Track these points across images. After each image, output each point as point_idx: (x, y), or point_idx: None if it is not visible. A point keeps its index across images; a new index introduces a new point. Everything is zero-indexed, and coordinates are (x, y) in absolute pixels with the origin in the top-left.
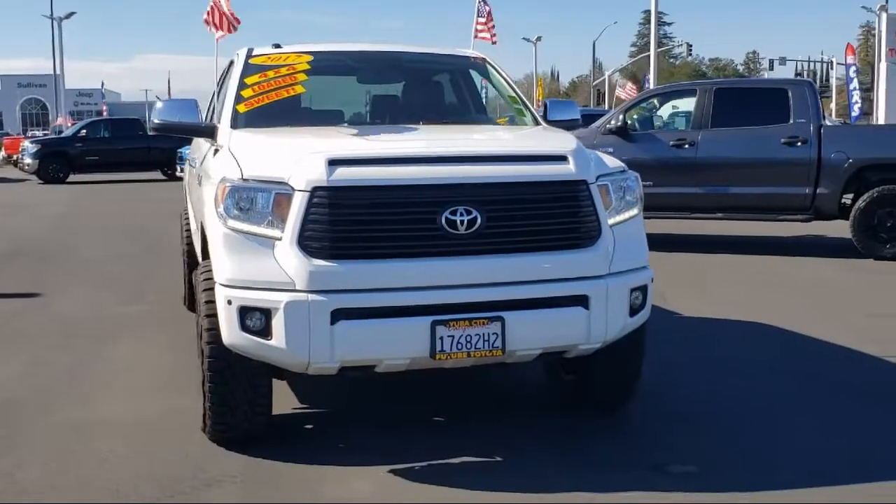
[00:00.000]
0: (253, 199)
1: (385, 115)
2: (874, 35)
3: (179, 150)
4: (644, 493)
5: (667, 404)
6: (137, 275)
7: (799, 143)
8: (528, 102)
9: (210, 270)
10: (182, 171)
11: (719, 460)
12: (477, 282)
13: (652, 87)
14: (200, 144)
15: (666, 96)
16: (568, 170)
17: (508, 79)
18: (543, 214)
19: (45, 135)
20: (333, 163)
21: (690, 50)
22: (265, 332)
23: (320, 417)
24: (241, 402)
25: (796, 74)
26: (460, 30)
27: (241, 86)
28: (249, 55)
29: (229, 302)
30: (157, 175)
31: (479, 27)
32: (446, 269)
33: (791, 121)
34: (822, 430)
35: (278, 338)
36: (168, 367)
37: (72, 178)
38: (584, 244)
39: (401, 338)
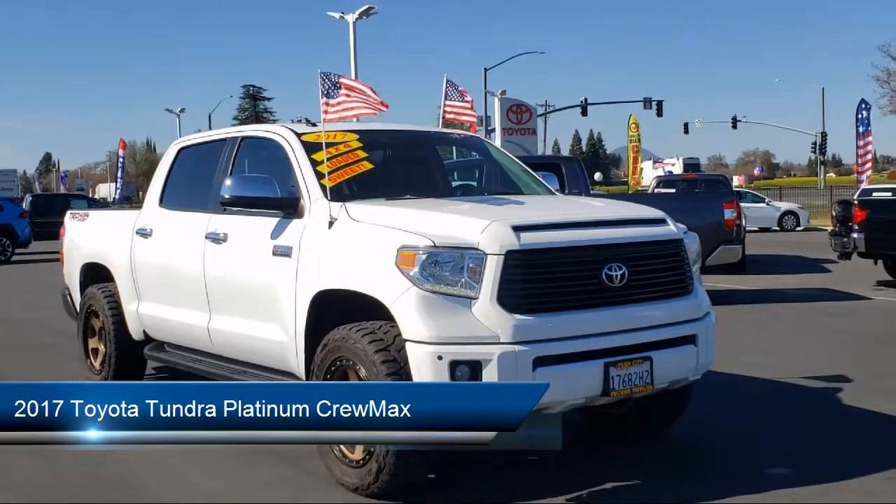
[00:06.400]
0: (445, 263)
1: (444, 187)
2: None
3: None
4: (770, 493)
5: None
6: None
7: None
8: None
9: (371, 332)
10: None
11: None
12: (631, 327)
13: None
14: (197, 219)
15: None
16: (671, 230)
17: (510, 154)
18: (663, 267)
19: None
20: (517, 228)
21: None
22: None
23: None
24: (423, 454)
25: None
26: None
27: (313, 162)
28: (299, 135)
29: (439, 357)
30: None
31: (458, 110)
32: (611, 317)
33: (566, 191)
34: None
35: None
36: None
37: None
38: (687, 291)
39: (583, 379)
